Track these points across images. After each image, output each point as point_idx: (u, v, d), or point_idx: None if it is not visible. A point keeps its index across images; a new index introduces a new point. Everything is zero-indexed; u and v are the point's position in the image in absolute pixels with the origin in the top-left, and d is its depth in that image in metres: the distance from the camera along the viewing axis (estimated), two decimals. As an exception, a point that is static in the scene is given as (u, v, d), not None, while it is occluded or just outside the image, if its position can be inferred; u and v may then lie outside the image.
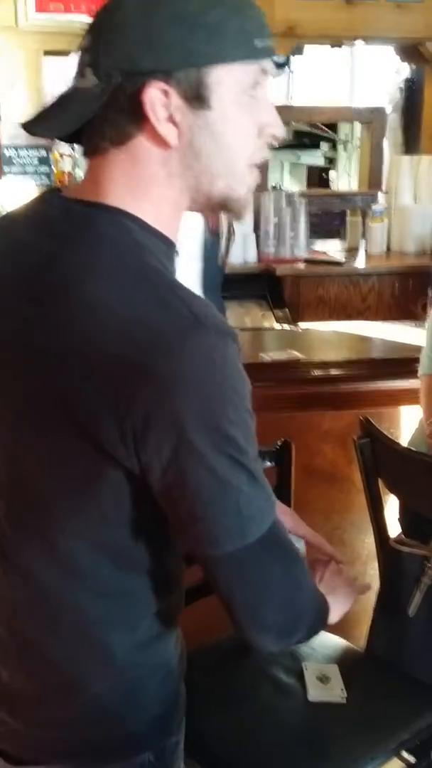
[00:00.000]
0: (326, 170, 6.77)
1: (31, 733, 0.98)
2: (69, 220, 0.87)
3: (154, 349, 0.77)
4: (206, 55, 0.82)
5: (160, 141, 0.84)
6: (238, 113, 0.85)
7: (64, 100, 0.86)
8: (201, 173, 0.87)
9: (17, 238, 0.91)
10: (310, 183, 6.82)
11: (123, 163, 0.86)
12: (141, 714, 0.97)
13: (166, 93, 0.82)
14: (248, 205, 0.92)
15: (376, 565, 1.80)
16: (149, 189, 0.87)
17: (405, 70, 5.10)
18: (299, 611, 0.96)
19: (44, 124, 0.88)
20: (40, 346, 0.83)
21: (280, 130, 0.90)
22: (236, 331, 0.83)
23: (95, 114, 0.84)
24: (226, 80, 0.83)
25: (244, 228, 4.05)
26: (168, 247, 0.89)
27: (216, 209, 0.92)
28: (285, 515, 1.22)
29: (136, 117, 0.83)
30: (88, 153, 0.89)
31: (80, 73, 0.85)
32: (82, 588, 0.91)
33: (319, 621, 1.01)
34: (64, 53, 3.98)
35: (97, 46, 0.83)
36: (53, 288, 0.83)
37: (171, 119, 0.83)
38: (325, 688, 1.45)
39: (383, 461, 1.72)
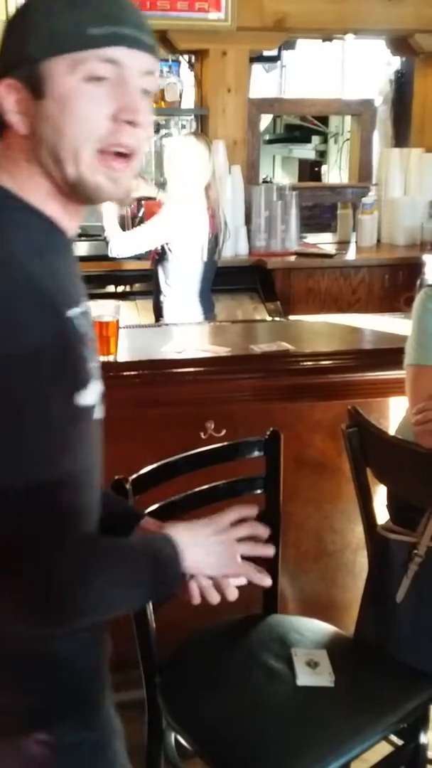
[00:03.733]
0: (318, 164, 6.77)
1: None
2: None
3: None
4: (38, 48, 0.90)
5: (15, 130, 0.93)
6: (78, 101, 0.90)
7: None
8: (48, 158, 0.93)
9: None
10: (302, 176, 6.82)
11: (2, 150, 0.95)
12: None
13: (10, 87, 0.91)
14: (116, 193, 0.95)
15: (365, 553, 1.82)
16: (16, 172, 0.94)
17: (396, 62, 5.11)
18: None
19: None
20: None
21: (133, 115, 0.92)
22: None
23: None
24: (58, 70, 0.90)
25: (235, 221, 4.06)
26: (41, 221, 0.94)
27: (82, 198, 0.96)
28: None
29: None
30: None
31: None
32: None
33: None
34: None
35: None
36: None
37: (19, 111, 0.92)
38: (314, 673, 1.47)
39: (371, 450, 1.74)
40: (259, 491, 1.69)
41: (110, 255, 3.34)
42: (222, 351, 2.22)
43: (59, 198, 0.95)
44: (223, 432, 2.07)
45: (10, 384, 0.85)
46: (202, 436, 2.07)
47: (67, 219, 0.97)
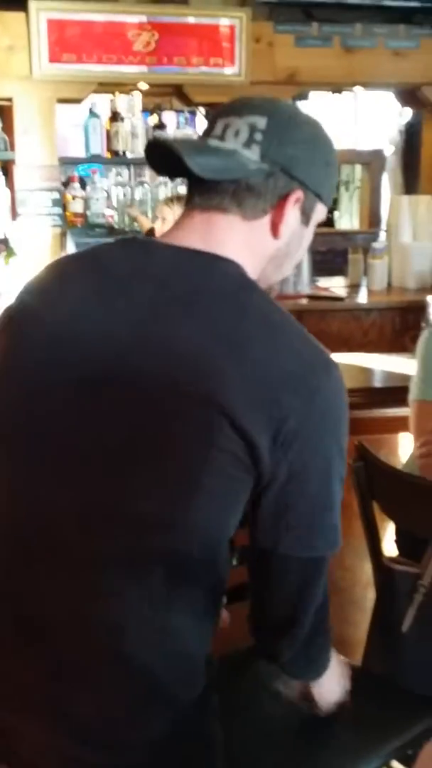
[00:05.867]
0: (331, 210, 6.92)
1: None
2: (189, 258, 1.01)
3: (312, 374, 0.97)
4: (324, 190, 1.09)
5: (276, 231, 1.06)
6: (310, 237, 1.13)
7: (220, 152, 1.03)
8: (278, 266, 1.10)
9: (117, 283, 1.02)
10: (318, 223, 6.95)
11: (244, 233, 1.04)
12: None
13: (298, 201, 1.06)
14: None
15: (375, 590, 1.86)
16: (248, 261, 1.04)
17: (407, 113, 5.27)
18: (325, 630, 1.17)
19: (200, 160, 1.01)
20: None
21: (303, 257, 1.21)
22: None
23: (239, 179, 1.02)
24: (319, 211, 1.11)
25: (248, 266, 4.17)
26: None
27: None
28: None
29: (273, 205, 1.04)
30: (203, 205, 1.03)
31: (246, 144, 1.02)
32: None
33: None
34: (76, 101, 4.16)
35: (271, 137, 1.03)
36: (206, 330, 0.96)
37: (289, 221, 1.07)
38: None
39: (377, 483, 1.80)
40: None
41: None
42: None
43: None
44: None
45: None
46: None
47: None
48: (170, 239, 1.04)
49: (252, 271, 1.04)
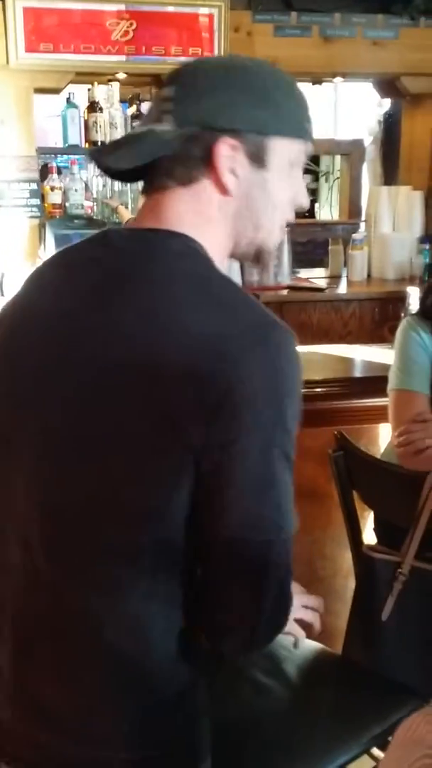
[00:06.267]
0: (312, 201, 6.92)
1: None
2: (135, 239, 1.00)
3: (244, 337, 0.89)
4: (269, 125, 1.00)
5: (222, 188, 0.99)
6: (283, 179, 1.03)
7: (134, 139, 1.00)
8: (249, 221, 1.02)
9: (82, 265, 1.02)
10: (297, 214, 6.96)
11: (186, 202, 1.00)
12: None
13: (234, 148, 0.98)
14: (273, 258, 1.08)
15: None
16: (205, 227, 1.00)
17: (386, 103, 5.28)
18: (282, 616, 1.03)
19: (114, 156, 1.00)
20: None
21: (306, 202, 1.07)
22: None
23: (164, 155, 0.98)
24: (280, 150, 1.01)
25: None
26: None
27: (249, 258, 1.07)
28: None
29: (206, 164, 0.99)
30: (149, 189, 1.02)
31: (156, 118, 0.99)
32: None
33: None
34: (53, 91, 4.12)
35: (180, 101, 0.98)
36: (130, 300, 0.93)
37: (233, 171, 0.99)
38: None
39: (356, 473, 1.80)
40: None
41: None
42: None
43: (225, 256, 1.05)
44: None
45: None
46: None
47: None
48: (131, 226, 1.06)
49: (218, 237, 1.01)
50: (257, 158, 1.00)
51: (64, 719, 0.99)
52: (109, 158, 1.01)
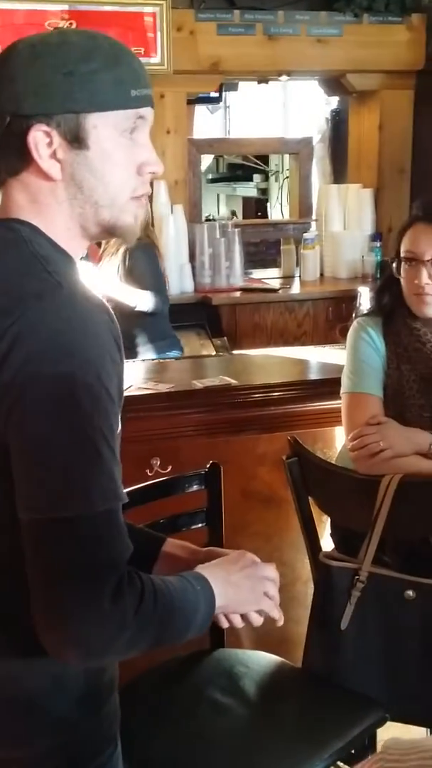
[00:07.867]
0: (264, 201, 6.92)
1: None
2: None
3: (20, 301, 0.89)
4: (82, 102, 0.94)
5: (45, 175, 0.96)
6: (117, 153, 0.97)
7: None
8: (85, 203, 0.98)
9: None
10: (248, 214, 6.95)
11: (20, 191, 0.98)
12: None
13: (48, 134, 0.94)
14: (137, 230, 1.03)
15: (315, 584, 1.83)
16: (45, 214, 0.98)
17: (334, 101, 5.28)
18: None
19: None
20: None
21: (158, 168, 1.01)
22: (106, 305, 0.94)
23: None
24: (102, 125, 0.95)
25: (179, 259, 4.11)
26: (65, 257, 0.98)
27: (107, 235, 1.03)
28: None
29: (23, 154, 0.95)
30: None
31: None
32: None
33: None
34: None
35: None
36: None
37: (53, 156, 0.95)
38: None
39: (311, 478, 1.77)
40: (201, 525, 1.69)
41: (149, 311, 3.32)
42: (164, 387, 2.24)
43: (78, 238, 1.01)
44: (170, 468, 2.07)
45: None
46: (148, 473, 2.06)
47: (77, 257, 1.02)
48: None
49: (60, 221, 0.98)
50: (76, 138, 0.95)
51: None
52: None
